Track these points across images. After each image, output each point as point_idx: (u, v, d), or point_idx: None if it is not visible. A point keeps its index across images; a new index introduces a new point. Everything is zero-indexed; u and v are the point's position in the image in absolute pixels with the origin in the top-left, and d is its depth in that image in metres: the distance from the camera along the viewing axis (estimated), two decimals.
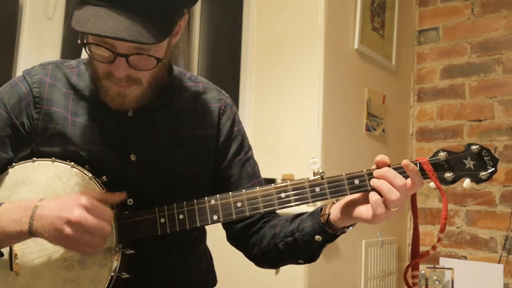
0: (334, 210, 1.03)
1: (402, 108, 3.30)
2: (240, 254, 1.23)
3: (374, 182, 0.97)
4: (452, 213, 3.11)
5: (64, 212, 0.91)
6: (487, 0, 3.15)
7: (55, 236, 0.92)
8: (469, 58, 3.19)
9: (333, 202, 1.05)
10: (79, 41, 0.99)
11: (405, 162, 0.97)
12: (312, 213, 1.09)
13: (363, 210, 0.98)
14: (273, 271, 2.38)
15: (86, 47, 0.98)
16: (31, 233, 0.93)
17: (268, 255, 1.16)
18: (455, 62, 3.24)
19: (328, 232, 1.05)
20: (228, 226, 1.22)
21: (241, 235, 1.21)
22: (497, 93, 3.07)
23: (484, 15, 3.15)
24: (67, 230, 0.90)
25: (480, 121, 3.12)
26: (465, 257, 3.05)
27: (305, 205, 1.03)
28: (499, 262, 2.90)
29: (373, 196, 0.95)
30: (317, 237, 1.05)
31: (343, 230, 1.05)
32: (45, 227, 0.92)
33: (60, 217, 0.91)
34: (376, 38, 2.94)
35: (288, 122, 2.57)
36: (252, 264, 1.22)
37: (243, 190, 1.03)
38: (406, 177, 0.97)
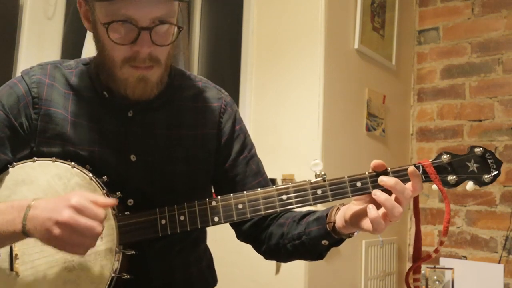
0: (339, 219, 1.03)
1: (402, 108, 3.30)
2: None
3: (377, 195, 0.94)
4: (452, 213, 3.11)
5: (53, 213, 0.89)
6: (487, 0, 3.14)
7: (45, 237, 0.91)
8: (469, 58, 3.19)
9: (338, 208, 1.05)
10: (101, 23, 0.97)
11: (411, 170, 0.95)
12: (318, 218, 1.08)
13: (364, 222, 0.98)
14: (273, 271, 2.37)
15: (108, 30, 0.96)
16: (25, 233, 0.92)
17: (278, 253, 1.17)
18: (455, 62, 3.24)
19: (334, 237, 1.05)
20: (237, 227, 1.23)
21: (250, 234, 1.21)
22: (497, 93, 3.07)
23: (484, 15, 3.15)
24: (56, 231, 0.89)
25: (480, 121, 3.12)
26: (465, 257, 3.05)
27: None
28: (499, 262, 2.89)
29: (371, 212, 0.94)
30: (324, 242, 1.07)
31: (348, 235, 1.05)
32: (37, 227, 0.91)
33: (49, 218, 0.89)
34: (376, 38, 2.94)
35: (288, 122, 2.57)
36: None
37: (244, 192, 1.03)
38: (405, 181, 0.96)
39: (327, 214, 1.07)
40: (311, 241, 1.08)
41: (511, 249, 2.91)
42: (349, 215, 1.01)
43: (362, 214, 0.99)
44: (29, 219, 0.91)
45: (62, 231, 0.89)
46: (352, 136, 2.73)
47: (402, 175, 0.97)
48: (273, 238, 1.16)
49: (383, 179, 0.96)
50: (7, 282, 1.01)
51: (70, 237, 0.89)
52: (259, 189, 1.03)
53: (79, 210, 0.90)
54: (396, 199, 0.95)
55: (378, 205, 0.95)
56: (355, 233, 1.04)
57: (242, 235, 1.23)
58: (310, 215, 1.12)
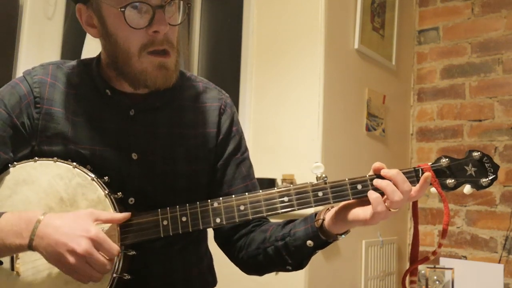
0: (329, 216, 1.03)
1: (402, 108, 3.30)
2: None
3: (377, 182, 0.97)
4: (452, 213, 3.11)
5: (70, 240, 0.89)
6: (487, 0, 3.15)
7: (55, 258, 0.91)
8: (469, 58, 3.19)
9: (328, 209, 1.05)
10: (118, 8, 0.99)
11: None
12: (306, 218, 1.08)
13: (360, 212, 0.98)
14: None
15: (125, 13, 0.98)
16: (30, 247, 0.92)
17: (255, 260, 1.15)
18: (455, 62, 3.24)
19: (321, 238, 1.04)
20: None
21: (229, 237, 1.20)
22: (497, 93, 3.07)
23: (484, 15, 3.15)
24: (70, 259, 0.89)
25: (480, 121, 3.12)
26: (465, 257, 3.06)
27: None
28: (499, 262, 2.90)
29: (373, 194, 0.96)
30: (309, 242, 1.05)
31: (335, 237, 1.05)
32: (47, 247, 0.91)
33: (65, 244, 0.89)
34: (376, 38, 2.94)
35: (288, 122, 2.57)
36: None
37: (246, 194, 1.03)
38: (411, 183, 0.97)
39: (316, 215, 1.07)
40: (295, 242, 1.07)
41: (511, 249, 2.91)
42: (340, 209, 1.01)
43: (354, 206, 1.00)
44: (39, 235, 0.91)
45: (75, 261, 0.89)
46: (352, 136, 2.74)
47: (408, 177, 0.98)
48: (253, 243, 1.15)
49: (384, 171, 0.98)
50: (8, 282, 1.01)
51: (80, 268, 0.90)
52: (260, 191, 1.03)
53: (96, 244, 0.91)
54: None
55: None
56: (342, 236, 1.04)
57: (220, 237, 1.22)
58: (296, 220, 1.11)
